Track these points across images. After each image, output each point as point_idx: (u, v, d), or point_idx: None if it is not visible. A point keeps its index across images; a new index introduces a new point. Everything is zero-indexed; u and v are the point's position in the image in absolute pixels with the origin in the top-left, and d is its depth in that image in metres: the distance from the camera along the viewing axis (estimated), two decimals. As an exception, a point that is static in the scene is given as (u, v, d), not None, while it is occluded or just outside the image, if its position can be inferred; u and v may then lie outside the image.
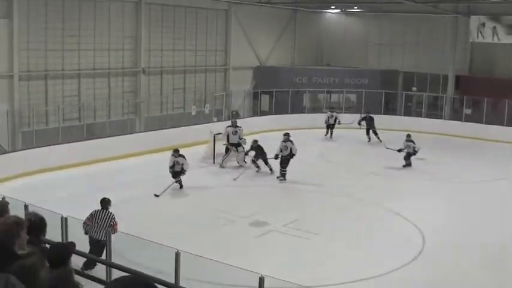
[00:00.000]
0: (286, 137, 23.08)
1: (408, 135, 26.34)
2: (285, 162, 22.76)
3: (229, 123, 26.34)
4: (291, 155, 22.70)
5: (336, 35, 41.25)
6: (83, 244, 11.56)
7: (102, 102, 28.00)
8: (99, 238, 12.59)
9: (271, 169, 23.67)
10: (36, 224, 6.54)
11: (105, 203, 13.47)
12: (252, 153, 24.27)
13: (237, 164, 24.92)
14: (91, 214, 13.22)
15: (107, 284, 2.88)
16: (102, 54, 28.19)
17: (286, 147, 22.74)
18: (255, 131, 28.95)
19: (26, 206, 11.18)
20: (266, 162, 23.87)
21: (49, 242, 6.83)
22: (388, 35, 39.38)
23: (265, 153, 23.84)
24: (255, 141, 24.23)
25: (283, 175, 22.76)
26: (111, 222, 12.94)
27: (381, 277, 13.86)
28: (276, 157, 22.89)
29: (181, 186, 20.95)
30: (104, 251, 11.73)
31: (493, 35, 34.21)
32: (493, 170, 25.86)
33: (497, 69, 35.84)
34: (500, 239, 16.79)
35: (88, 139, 25.22)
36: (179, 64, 32.32)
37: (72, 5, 26.42)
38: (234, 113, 30.66)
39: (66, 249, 5.56)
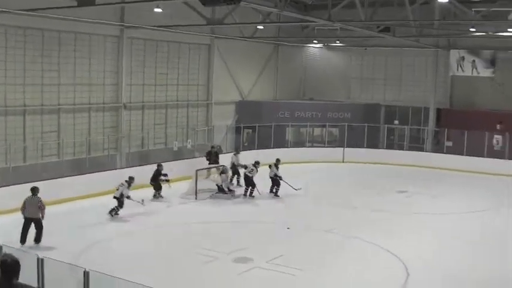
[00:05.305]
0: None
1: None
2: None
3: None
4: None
5: (318, 69, 41.35)
6: (59, 284, 11.16)
7: (82, 138, 27.64)
8: (32, 217, 17.44)
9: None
10: (10, 266, 6.24)
11: (34, 190, 17.76)
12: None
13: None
14: (24, 201, 17.70)
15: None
16: (83, 89, 27.90)
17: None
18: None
19: (0, 247, 10.79)
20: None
21: (22, 285, 6.47)
22: (369, 69, 39.58)
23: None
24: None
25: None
26: (39, 204, 17.49)
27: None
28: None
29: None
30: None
31: (473, 69, 34.69)
32: (476, 201, 25.95)
33: (477, 102, 36.14)
34: (488, 272, 16.57)
35: (68, 175, 24.73)
36: (161, 99, 32.11)
37: (51, 38, 26.14)
38: (217, 147, 30.38)
39: None
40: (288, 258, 17.18)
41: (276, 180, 25.94)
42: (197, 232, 20.30)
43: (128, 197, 21.41)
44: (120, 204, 21.31)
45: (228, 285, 15.27)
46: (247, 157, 28.38)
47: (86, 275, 10.23)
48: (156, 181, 24.99)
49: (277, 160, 26.56)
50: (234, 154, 28.80)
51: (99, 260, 16.27)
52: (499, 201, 26.10)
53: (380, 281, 15.72)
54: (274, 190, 25.89)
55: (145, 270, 15.38)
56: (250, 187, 25.69)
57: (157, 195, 24.88)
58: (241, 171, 27.09)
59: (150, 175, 25.10)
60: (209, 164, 27.81)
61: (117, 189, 21.57)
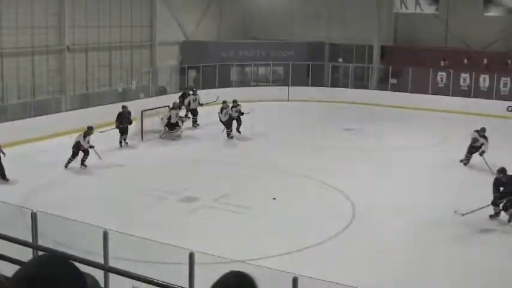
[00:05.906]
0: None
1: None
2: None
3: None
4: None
5: (262, 8, 41.14)
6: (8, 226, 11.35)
7: (26, 81, 27.35)
8: None
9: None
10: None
11: None
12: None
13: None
14: None
15: (23, 264, 2.78)
16: (25, 32, 27.45)
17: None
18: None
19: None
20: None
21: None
22: (313, 7, 39.55)
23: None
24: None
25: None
26: None
27: (315, 246, 14.09)
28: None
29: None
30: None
31: (416, 6, 34.88)
32: (421, 137, 26.58)
33: (421, 39, 36.62)
34: (429, 204, 17.25)
35: (12, 119, 24.56)
36: (104, 40, 31.79)
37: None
38: (162, 88, 30.38)
39: None
40: (236, 197, 17.53)
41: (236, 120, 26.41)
42: (144, 173, 20.57)
43: (91, 147, 20.79)
44: (73, 155, 20.85)
45: (177, 224, 15.57)
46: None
47: (34, 216, 10.37)
48: (124, 123, 24.32)
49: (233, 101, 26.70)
50: (190, 94, 28.87)
51: (50, 201, 16.37)
52: (444, 137, 26.75)
53: (327, 217, 16.18)
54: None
55: (94, 211, 15.59)
56: (227, 129, 25.79)
57: (123, 141, 24.36)
58: (201, 109, 27.95)
59: (95, 117, 25.00)
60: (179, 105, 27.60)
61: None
